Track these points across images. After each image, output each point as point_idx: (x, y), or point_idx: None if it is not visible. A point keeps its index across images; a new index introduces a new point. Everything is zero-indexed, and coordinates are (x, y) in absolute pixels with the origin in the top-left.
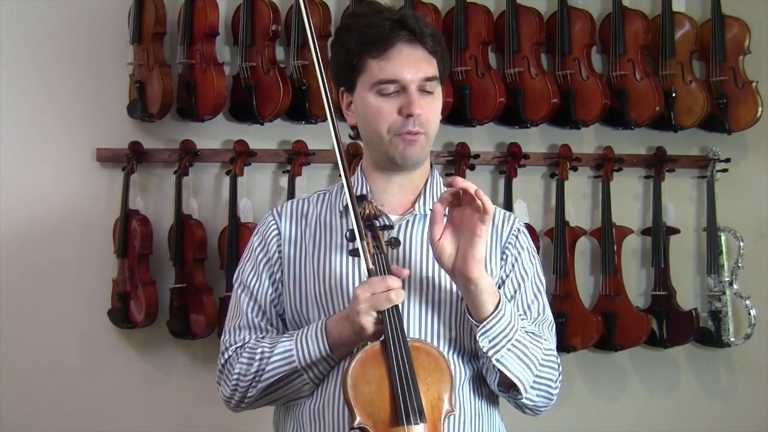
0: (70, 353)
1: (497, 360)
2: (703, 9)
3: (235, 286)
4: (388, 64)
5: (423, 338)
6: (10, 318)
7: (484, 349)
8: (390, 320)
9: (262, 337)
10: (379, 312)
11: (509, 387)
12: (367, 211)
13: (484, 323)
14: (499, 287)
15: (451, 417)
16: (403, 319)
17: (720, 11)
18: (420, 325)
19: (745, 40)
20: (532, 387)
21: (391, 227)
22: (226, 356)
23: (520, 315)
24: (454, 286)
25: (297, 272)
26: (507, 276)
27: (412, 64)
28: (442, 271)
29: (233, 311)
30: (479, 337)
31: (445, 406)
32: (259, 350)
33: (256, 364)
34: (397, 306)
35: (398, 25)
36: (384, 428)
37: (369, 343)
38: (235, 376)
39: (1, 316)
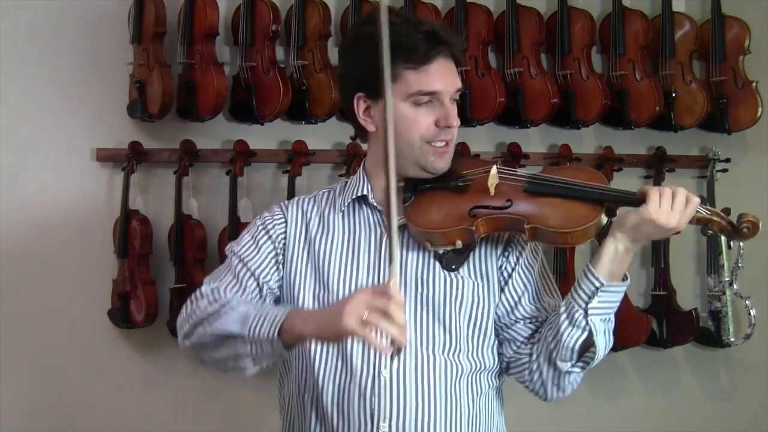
0: (70, 353)
1: (593, 321)
2: (703, 9)
3: (230, 255)
4: (426, 77)
5: (419, 338)
6: (10, 318)
7: (590, 305)
8: None
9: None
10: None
11: (582, 352)
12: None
13: (614, 284)
14: (505, 283)
15: (449, 413)
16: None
17: (720, 11)
18: (416, 325)
19: (745, 40)
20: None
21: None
22: (200, 291)
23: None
24: (449, 286)
25: (296, 264)
26: (513, 269)
27: (449, 78)
28: (438, 271)
29: (222, 271)
30: (599, 293)
31: None
32: (225, 298)
33: (215, 306)
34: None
35: (434, 38)
36: None
37: None
38: (193, 309)
39: (1, 316)
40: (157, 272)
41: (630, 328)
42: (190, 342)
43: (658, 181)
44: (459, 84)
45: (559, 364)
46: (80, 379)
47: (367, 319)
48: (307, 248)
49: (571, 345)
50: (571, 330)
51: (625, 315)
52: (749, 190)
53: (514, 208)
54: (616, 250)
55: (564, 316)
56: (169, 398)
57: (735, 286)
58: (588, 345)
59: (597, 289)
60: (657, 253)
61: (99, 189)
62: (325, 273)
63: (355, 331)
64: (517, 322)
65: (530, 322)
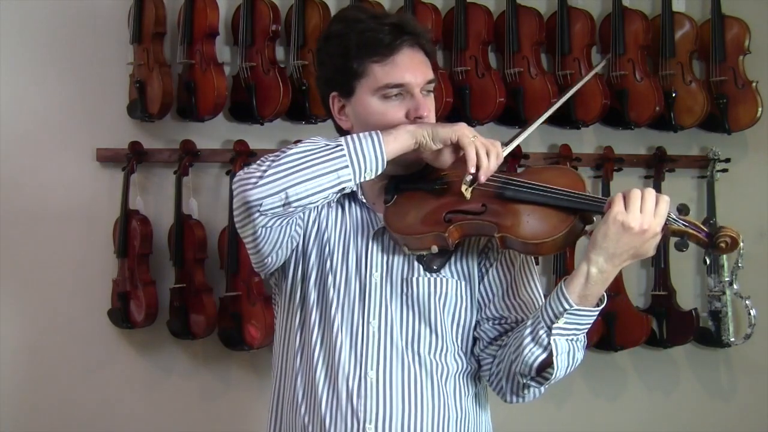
0: (70, 353)
1: (555, 342)
2: (703, 9)
3: None
4: (393, 69)
5: (405, 339)
6: (10, 318)
7: (555, 325)
8: None
9: None
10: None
11: (541, 369)
12: None
13: (584, 309)
14: (482, 279)
15: (436, 416)
16: (386, 319)
17: (720, 11)
18: (402, 326)
19: (745, 40)
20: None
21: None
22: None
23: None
24: (433, 286)
25: (309, 242)
26: (491, 266)
27: (417, 68)
28: (422, 272)
29: None
30: (565, 315)
31: None
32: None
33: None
34: None
35: (400, 29)
36: None
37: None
38: (259, 163)
39: (1, 316)
40: (157, 272)
41: (630, 328)
42: (268, 178)
43: (658, 181)
44: (430, 75)
45: (517, 376)
46: (80, 379)
47: (473, 140)
48: (316, 229)
49: (530, 362)
50: (533, 347)
51: (625, 315)
52: (749, 190)
53: (487, 215)
54: (588, 274)
55: (529, 330)
56: (169, 398)
57: (735, 286)
58: (548, 362)
59: (564, 311)
60: (657, 252)
61: (99, 189)
62: (325, 263)
63: (464, 135)
64: (486, 320)
65: (499, 323)
